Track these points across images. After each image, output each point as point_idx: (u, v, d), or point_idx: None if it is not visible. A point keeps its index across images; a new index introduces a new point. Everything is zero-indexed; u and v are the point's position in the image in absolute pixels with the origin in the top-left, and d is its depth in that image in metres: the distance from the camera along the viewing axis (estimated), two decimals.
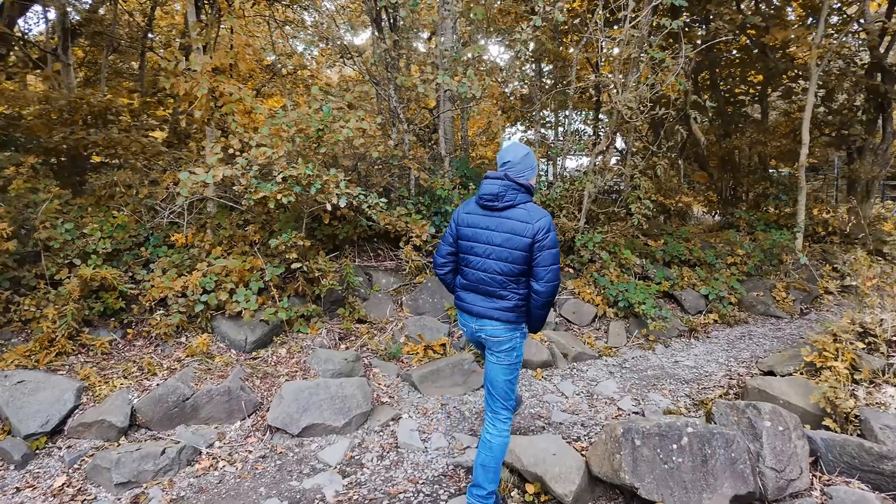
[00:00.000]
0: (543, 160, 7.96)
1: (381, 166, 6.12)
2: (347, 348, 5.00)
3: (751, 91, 9.69)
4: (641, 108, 6.03)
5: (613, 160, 7.08)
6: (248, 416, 3.89)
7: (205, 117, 4.95)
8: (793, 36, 6.76)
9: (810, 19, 8.97)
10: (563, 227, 6.34)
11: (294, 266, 4.87)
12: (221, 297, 4.63)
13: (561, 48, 7.37)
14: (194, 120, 5.81)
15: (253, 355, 4.58)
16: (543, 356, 4.89)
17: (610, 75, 6.39)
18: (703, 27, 8.52)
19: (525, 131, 9.03)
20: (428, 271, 5.96)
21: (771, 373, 4.26)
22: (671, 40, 7.02)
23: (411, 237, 5.69)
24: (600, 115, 8.67)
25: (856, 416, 3.49)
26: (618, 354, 5.27)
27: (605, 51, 6.78)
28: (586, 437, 3.69)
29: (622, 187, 7.18)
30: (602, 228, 6.61)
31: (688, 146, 9.54)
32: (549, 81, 8.41)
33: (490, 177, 2.76)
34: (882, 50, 8.66)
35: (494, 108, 6.87)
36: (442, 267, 2.98)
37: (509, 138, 8.95)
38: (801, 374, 4.02)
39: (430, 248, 6.01)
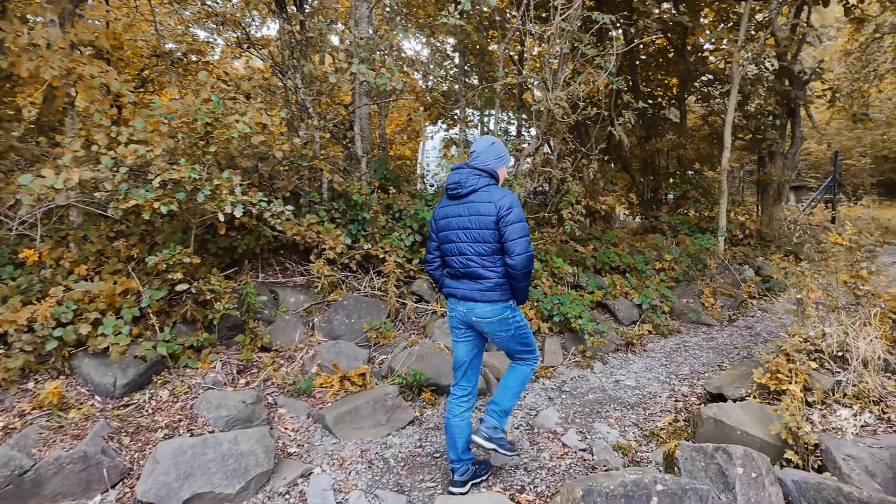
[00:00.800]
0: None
1: (288, 168, 5.34)
2: (248, 384, 4.22)
3: (668, 94, 9.72)
4: (574, 107, 5.64)
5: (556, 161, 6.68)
6: (112, 487, 3.04)
7: (59, 106, 3.98)
8: (724, 40, 6.66)
9: (720, 25, 9.11)
10: None
11: (179, 288, 4.03)
12: (83, 330, 3.70)
13: (487, 40, 6.88)
14: (50, 109, 4.77)
15: (124, 402, 3.70)
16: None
17: (536, 74, 5.97)
18: (625, 27, 8.36)
19: (447, 130, 8.48)
20: (344, 287, 5.27)
21: (721, 396, 3.95)
22: (594, 39, 6.73)
23: (324, 249, 4.98)
24: (526, 115, 8.29)
25: (815, 446, 3.22)
26: (555, 375, 4.84)
27: (531, 46, 6.37)
28: (531, 487, 3.18)
29: (550, 191, 6.81)
30: (532, 235, 6.19)
31: (611, 148, 9.42)
32: (474, 80, 7.92)
33: (454, 168, 2.98)
34: (790, 56, 8.90)
35: (415, 104, 6.27)
36: (430, 263, 3.15)
37: (431, 137, 8.41)
38: (755, 397, 3.73)
39: (346, 262, 5.32)
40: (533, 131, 8.98)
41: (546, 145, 6.58)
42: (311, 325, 4.91)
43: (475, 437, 3.02)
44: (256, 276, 5.21)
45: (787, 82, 8.71)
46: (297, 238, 4.85)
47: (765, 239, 8.54)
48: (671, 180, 9.38)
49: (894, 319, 4.56)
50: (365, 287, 5.33)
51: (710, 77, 8.81)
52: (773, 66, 8.84)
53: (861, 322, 4.07)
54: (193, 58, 7.79)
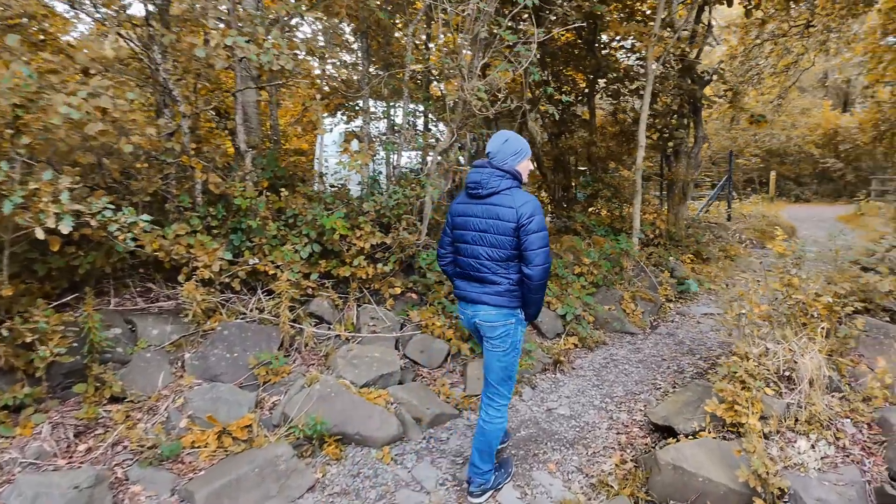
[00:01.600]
0: (379, 158, 6.65)
1: (149, 165, 4.27)
2: (89, 451, 3.20)
3: (577, 90, 9.47)
4: (492, 98, 5.04)
5: (462, 159, 6.04)
6: None
7: None
8: (631, 35, 6.36)
9: (627, 21, 8.99)
10: (404, 243, 5.12)
11: None
12: None
13: (393, 23, 6.10)
14: None
15: None
16: (391, 429, 3.61)
17: (451, 60, 5.30)
18: (541, 14, 7.93)
19: (348, 122, 7.62)
20: (225, 313, 4.31)
21: (669, 429, 3.50)
22: (513, 25, 6.17)
23: (196, 267, 3.99)
24: (434, 108, 7.61)
25: (782, 491, 2.83)
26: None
27: (440, 33, 5.70)
28: None
29: None
30: None
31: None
32: (379, 69, 7.12)
33: (475, 165, 2.87)
34: (692, 56, 8.94)
35: (312, 91, 5.38)
36: (443, 258, 3.08)
37: (330, 130, 7.51)
38: (709, 431, 3.31)
39: (226, 280, 4.35)
40: (442, 126, 8.37)
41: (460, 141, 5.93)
42: (180, 363, 3.93)
43: (474, 500, 3.01)
44: (107, 302, 4.11)
45: (689, 81, 8.72)
46: (159, 255, 3.83)
47: (673, 238, 8.52)
48: (582, 179, 9.13)
49: (827, 330, 4.39)
50: (252, 311, 4.40)
51: (620, 73, 8.64)
52: (678, 64, 8.81)
53: (806, 337, 3.81)
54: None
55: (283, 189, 4.95)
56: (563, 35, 8.86)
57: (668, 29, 8.01)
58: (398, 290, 5.11)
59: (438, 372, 4.63)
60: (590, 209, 9.01)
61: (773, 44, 14.68)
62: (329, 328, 4.72)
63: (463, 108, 5.27)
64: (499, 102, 5.06)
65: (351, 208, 5.32)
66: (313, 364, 4.24)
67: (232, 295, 4.47)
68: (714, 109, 9.32)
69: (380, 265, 4.98)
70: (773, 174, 23.98)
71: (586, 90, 9.22)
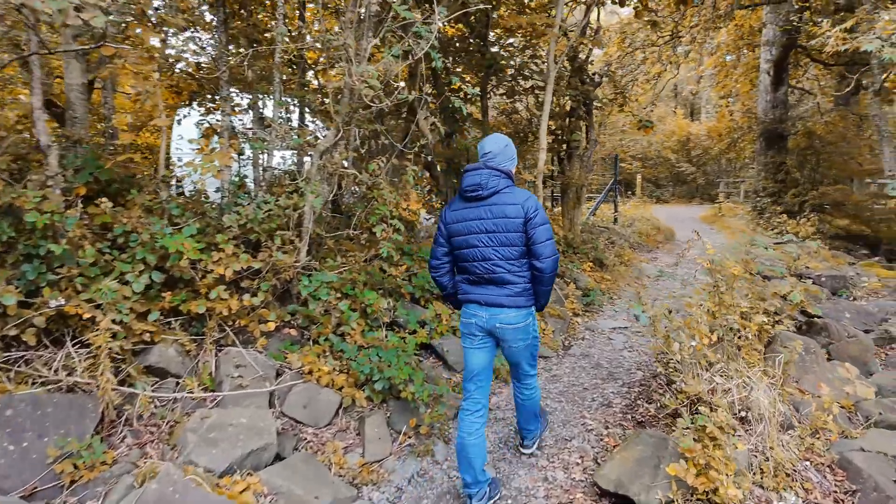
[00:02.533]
0: (246, 158, 5.45)
1: None
2: None
3: (468, 83, 8.83)
4: (386, 88, 4.13)
5: (346, 162, 5.04)
6: None
7: None
8: (546, 28, 5.78)
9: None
10: (278, 266, 4.05)
11: None
12: None
13: None
14: None
15: None
16: None
17: (335, 38, 4.32)
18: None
19: (206, 114, 6.30)
20: (11, 381, 2.98)
21: (625, 498, 2.83)
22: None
23: None
24: (311, 99, 6.51)
25: None
26: (387, 479, 3.28)
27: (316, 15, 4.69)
28: None
29: (355, 200, 5.23)
30: (334, 262, 4.54)
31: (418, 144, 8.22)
32: (242, 48, 5.90)
33: (470, 169, 2.86)
34: (584, 56, 8.68)
35: (147, 68, 4.05)
36: (438, 269, 3.07)
37: (179, 121, 6.14)
38: (674, 501, 2.68)
39: (13, 332, 3.02)
40: (320, 122, 7.28)
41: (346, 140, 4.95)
42: None
43: (526, 450, 3.46)
44: None
45: (581, 82, 8.44)
46: None
47: (571, 245, 8.16)
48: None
49: (759, 351, 4.03)
50: (56, 374, 3.11)
51: (514, 71, 8.13)
52: (570, 64, 8.49)
53: (760, 370, 3.35)
54: None
55: (104, 199, 3.64)
56: (452, 26, 8.18)
57: (562, 25, 7.61)
58: (272, 326, 4.03)
59: (328, 432, 3.63)
60: None
61: (643, 51, 15.28)
62: (177, 385, 3.53)
63: (350, 99, 4.31)
64: (395, 93, 4.16)
65: (207, 223, 4.14)
66: (151, 445, 3.06)
67: (24, 353, 3.13)
68: (605, 112, 9.20)
69: (247, 296, 3.87)
70: (639, 177, 25.50)
71: (478, 88, 8.60)
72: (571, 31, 8.11)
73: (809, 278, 7.54)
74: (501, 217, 2.73)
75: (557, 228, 8.03)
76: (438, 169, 8.41)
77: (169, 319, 3.80)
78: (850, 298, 7.13)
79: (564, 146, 8.62)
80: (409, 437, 3.69)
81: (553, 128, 8.41)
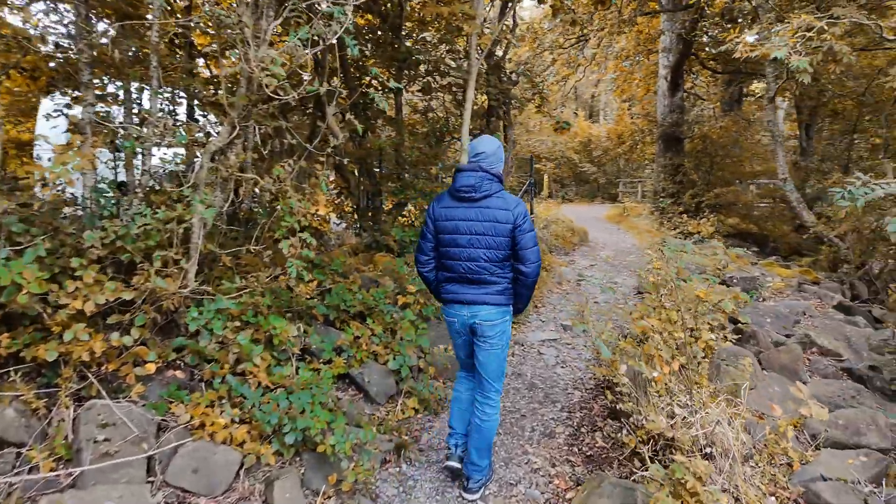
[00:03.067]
0: (111, 156, 4.53)
1: None
2: None
3: (386, 77, 8.22)
4: (293, 78, 3.47)
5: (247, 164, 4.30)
6: None
7: None
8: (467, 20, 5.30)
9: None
10: (158, 293, 3.28)
11: None
12: None
13: None
14: None
15: None
16: None
17: (227, 15, 3.59)
18: None
19: (69, 106, 5.24)
20: None
21: None
22: None
23: None
24: (200, 89, 5.61)
25: None
26: None
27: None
28: None
29: (257, 209, 4.50)
30: (231, 284, 3.80)
31: (328, 143, 7.51)
32: (109, 24, 4.97)
33: (464, 169, 2.92)
34: (500, 54, 8.37)
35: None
36: (425, 265, 3.13)
37: (49, 116, 5.04)
38: None
39: None
40: (213, 116, 6.37)
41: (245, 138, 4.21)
42: None
43: (470, 497, 3.11)
44: None
45: (499, 80, 8.11)
46: None
47: None
48: (391, 184, 7.93)
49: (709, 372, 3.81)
50: None
51: (430, 66, 7.63)
52: (488, 60, 8.14)
53: (722, 399, 3.08)
54: None
55: None
56: (362, 16, 7.55)
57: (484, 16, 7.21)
58: (151, 369, 3.24)
59: (226, 501, 2.93)
60: (401, 219, 7.86)
61: (551, 52, 15.40)
62: (17, 459, 2.69)
63: (248, 89, 3.61)
64: (304, 84, 3.51)
65: (61, 242, 3.27)
66: None
67: None
68: (522, 112, 8.96)
69: (116, 335, 3.07)
70: (546, 177, 26.02)
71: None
72: (488, 28, 7.76)
73: (722, 281, 7.72)
74: (491, 221, 2.83)
75: None
76: (349, 170, 7.76)
77: (7, 370, 2.92)
78: (759, 300, 7.32)
79: None
80: (329, 498, 3.07)
81: (472, 128, 8.01)
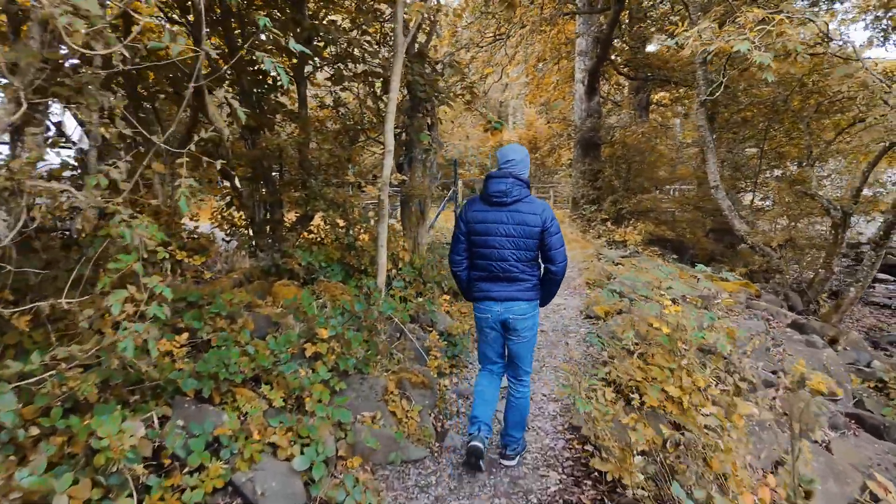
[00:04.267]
0: None
1: None
2: None
3: (277, 35, 6.73)
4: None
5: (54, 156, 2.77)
6: None
7: None
8: None
9: None
10: None
11: None
12: None
13: None
14: None
15: None
16: None
17: None
18: None
19: None
20: None
21: None
22: None
23: None
24: None
25: None
26: None
27: None
28: None
29: (70, 231, 2.96)
30: (27, 363, 2.28)
31: (207, 141, 5.94)
32: None
33: (496, 176, 3.16)
34: (423, 40, 7.18)
35: None
36: (459, 264, 3.38)
37: None
38: None
39: None
40: None
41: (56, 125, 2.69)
42: None
43: (508, 462, 3.48)
44: None
45: (425, 71, 6.90)
46: None
47: (419, 273, 6.57)
48: (294, 193, 6.47)
49: None
50: None
51: (342, 50, 6.27)
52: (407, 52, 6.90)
53: None
54: None
55: None
56: None
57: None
58: None
59: None
60: (308, 236, 6.43)
61: (468, 50, 14.48)
62: None
63: (41, 41, 2.14)
64: (132, 35, 2.09)
65: None
66: None
67: None
68: (448, 110, 7.87)
69: None
70: (459, 183, 25.18)
71: (294, 70, 6.57)
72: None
73: (672, 299, 6.98)
74: (521, 224, 3.07)
75: (403, 253, 6.38)
76: (240, 175, 6.22)
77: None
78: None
79: (404, 148, 7.01)
80: None
81: (401, 125, 6.75)
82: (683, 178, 16.28)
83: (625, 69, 16.97)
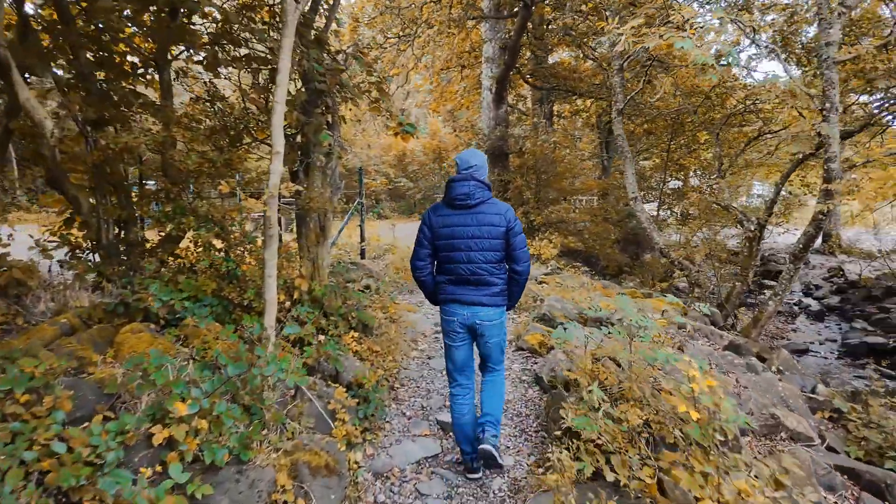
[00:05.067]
0: None
1: None
2: None
3: (141, 52, 5.31)
4: None
5: None
6: None
7: None
8: None
9: None
10: None
11: None
12: None
13: None
14: None
15: None
16: None
17: None
18: None
19: None
20: None
21: None
22: None
23: None
24: None
25: None
26: None
27: None
28: None
29: None
30: None
31: (25, 137, 4.44)
32: None
33: (458, 179, 3.22)
34: (321, 26, 6.06)
35: None
36: (422, 269, 3.39)
37: None
38: None
39: None
40: None
41: None
42: None
43: (489, 449, 3.20)
44: None
45: (324, 60, 5.77)
46: None
47: (318, 303, 5.38)
48: (156, 207, 5.07)
49: None
50: None
51: (217, 28, 4.99)
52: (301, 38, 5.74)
53: None
54: None
55: None
56: None
57: None
58: None
59: None
60: (174, 262, 5.05)
61: (371, 48, 13.42)
62: None
63: None
64: None
65: None
66: None
67: None
68: (352, 109, 6.75)
69: None
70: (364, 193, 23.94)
71: (156, 55, 5.19)
72: None
73: (598, 320, 6.31)
74: (487, 225, 3.14)
75: (301, 281, 5.17)
76: (76, 183, 4.74)
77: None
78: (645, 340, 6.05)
79: (299, 153, 5.81)
80: None
81: (286, 124, 5.53)
82: (591, 189, 16.22)
83: (531, 79, 16.71)
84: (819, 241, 22.25)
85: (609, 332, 4.12)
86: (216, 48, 5.13)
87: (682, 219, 13.47)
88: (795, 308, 14.29)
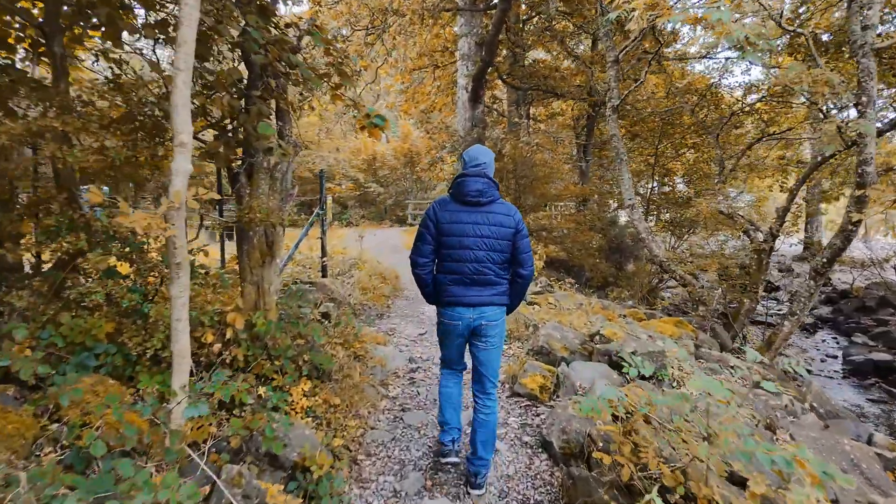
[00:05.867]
0: None
1: None
2: None
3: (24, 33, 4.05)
4: None
5: None
6: None
7: None
8: None
9: None
10: None
11: None
12: None
13: None
14: None
15: None
16: None
17: None
18: None
19: None
20: None
21: None
22: None
23: None
24: None
25: None
26: None
27: None
28: None
29: None
30: None
31: None
32: None
33: (471, 175, 3.07)
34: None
35: None
36: (423, 266, 3.19)
37: None
38: None
39: None
40: None
41: None
42: None
43: (477, 492, 3.13)
44: None
45: (266, 31, 4.59)
46: None
47: (260, 342, 4.19)
48: (44, 219, 3.82)
49: None
50: None
51: None
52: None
53: None
54: None
55: None
56: None
57: None
58: None
59: None
60: (72, 294, 3.79)
61: (339, 40, 12.26)
62: None
63: None
64: None
65: None
66: None
67: None
68: (307, 96, 5.57)
69: None
70: (329, 199, 22.60)
71: (42, 24, 3.95)
72: None
73: (608, 354, 5.26)
74: (497, 225, 3.01)
75: (235, 317, 3.97)
76: None
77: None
78: (673, 385, 5.03)
79: (240, 150, 4.61)
80: None
81: (214, 112, 4.32)
82: (571, 194, 15.30)
83: (508, 78, 15.75)
84: (801, 248, 21.84)
85: (660, 393, 3.05)
86: (117, 9, 3.90)
87: (670, 225, 12.61)
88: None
